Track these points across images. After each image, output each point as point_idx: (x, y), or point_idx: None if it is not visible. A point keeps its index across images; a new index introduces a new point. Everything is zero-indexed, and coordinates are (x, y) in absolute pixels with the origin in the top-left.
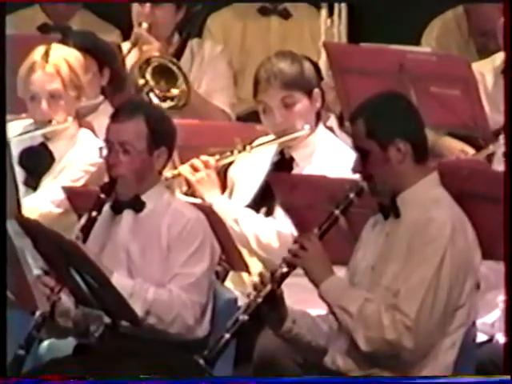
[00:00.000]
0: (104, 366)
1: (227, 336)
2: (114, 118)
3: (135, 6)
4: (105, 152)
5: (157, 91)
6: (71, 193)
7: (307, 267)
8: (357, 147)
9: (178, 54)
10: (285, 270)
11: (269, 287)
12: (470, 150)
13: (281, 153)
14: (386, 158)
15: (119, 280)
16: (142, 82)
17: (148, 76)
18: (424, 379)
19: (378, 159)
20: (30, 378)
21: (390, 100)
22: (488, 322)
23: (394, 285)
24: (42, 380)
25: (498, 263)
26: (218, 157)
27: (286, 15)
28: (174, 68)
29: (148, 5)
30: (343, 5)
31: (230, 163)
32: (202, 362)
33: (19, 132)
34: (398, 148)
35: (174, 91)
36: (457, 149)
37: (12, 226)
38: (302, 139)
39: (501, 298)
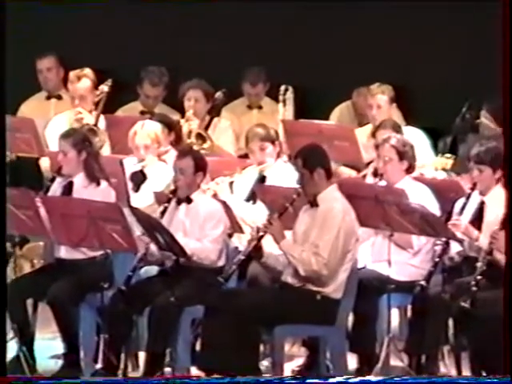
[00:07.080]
0: (171, 281)
1: (234, 267)
2: (177, 157)
3: (186, 101)
4: (173, 174)
5: (197, 144)
6: (156, 194)
7: (272, 233)
8: (297, 171)
9: (208, 126)
10: (261, 234)
11: (254, 242)
12: (353, 173)
13: (259, 174)
14: (312, 177)
15: (180, 238)
16: (189, 140)
17: (192, 138)
18: (424, 379)
19: (308, 177)
20: (30, 378)
21: (314, 147)
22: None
23: (316, 241)
24: (41, 380)
25: (368, 228)
26: (228, 177)
27: (260, 107)
28: (205, 134)
29: (193, 100)
30: (290, 95)
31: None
32: (221, 279)
33: (131, 164)
34: (318, 172)
35: (205, 145)
36: (346, 172)
37: (126, 211)
38: (269, 167)
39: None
